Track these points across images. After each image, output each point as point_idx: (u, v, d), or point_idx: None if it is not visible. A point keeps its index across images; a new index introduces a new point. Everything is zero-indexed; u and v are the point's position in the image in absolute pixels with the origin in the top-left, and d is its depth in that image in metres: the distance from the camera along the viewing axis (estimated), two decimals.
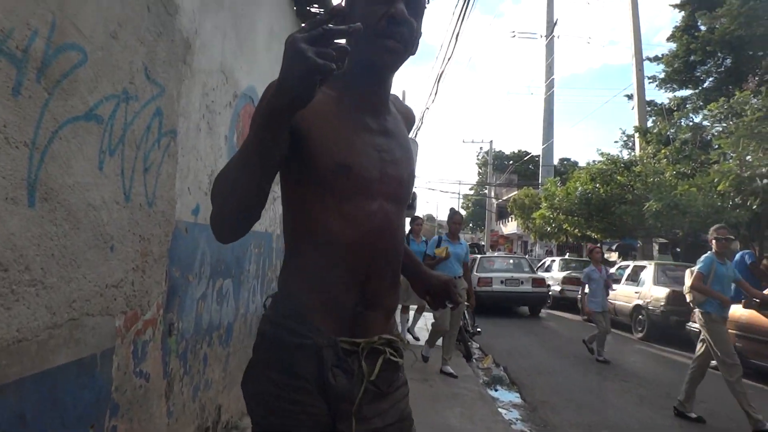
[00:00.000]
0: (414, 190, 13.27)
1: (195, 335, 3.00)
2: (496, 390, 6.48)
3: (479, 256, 15.62)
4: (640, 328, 10.69)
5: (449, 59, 10.81)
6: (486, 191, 44.34)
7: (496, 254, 18.86)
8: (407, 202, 1.34)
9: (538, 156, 30.59)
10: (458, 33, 10.34)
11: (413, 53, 1.26)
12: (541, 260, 20.23)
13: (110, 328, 2.05)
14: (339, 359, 1.19)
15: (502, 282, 13.32)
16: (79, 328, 1.84)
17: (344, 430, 1.20)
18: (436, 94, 14.76)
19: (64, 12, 1.68)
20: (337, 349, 1.19)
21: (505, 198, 39.61)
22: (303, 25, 0.89)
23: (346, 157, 1.18)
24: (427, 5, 1.29)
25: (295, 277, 1.24)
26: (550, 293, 14.84)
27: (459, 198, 56.07)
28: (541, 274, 15.03)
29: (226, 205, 1.08)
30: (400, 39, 1.18)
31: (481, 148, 50.49)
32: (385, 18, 1.15)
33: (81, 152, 1.81)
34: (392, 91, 1.35)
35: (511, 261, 15.10)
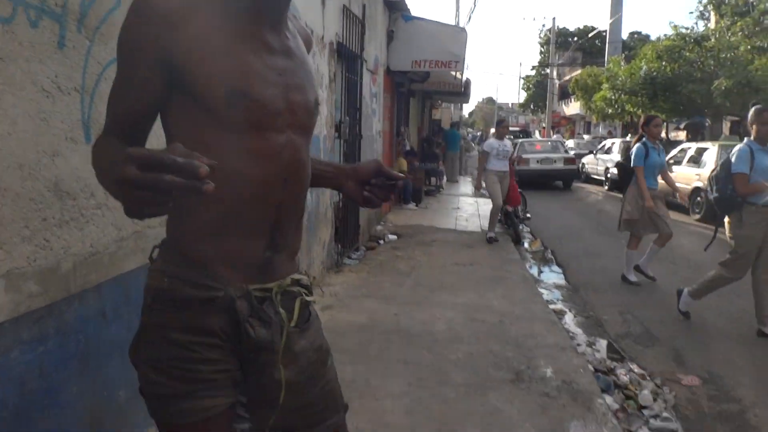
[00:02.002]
0: (467, 76, 12.83)
1: None
2: (541, 273, 6.79)
3: (520, 140, 18.81)
4: (697, 210, 10.62)
5: None
6: (548, 71, 42.28)
7: (533, 139, 21.69)
8: (313, 129, 1.21)
9: (605, 31, 28.66)
10: None
11: None
12: (602, 143, 19.74)
13: None
14: (254, 309, 1.11)
15: (537, 162, 15.77)
16: (143, 239, 2.18)
17: (267, 382, 1.15)
18: None
19: None
20: (250, 299, 1.10)
21: (567, 78, 37.80)
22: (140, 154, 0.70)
23: (240, 81, 1.01)
24: None
25: (191, 224, 1.08)
26: (580, 170, 17.64)
27: (520, 79, 53.85)
28: (572, 154, 17.63)
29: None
30: None
31: (543, 25, 47.35)
32: None
33: None
34: None
35: (548, 144, 17.59)
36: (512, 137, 23.28)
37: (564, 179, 16.37)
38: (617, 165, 6.30)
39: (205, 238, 1.08)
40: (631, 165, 5.67)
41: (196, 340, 1.07)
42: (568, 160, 16.08)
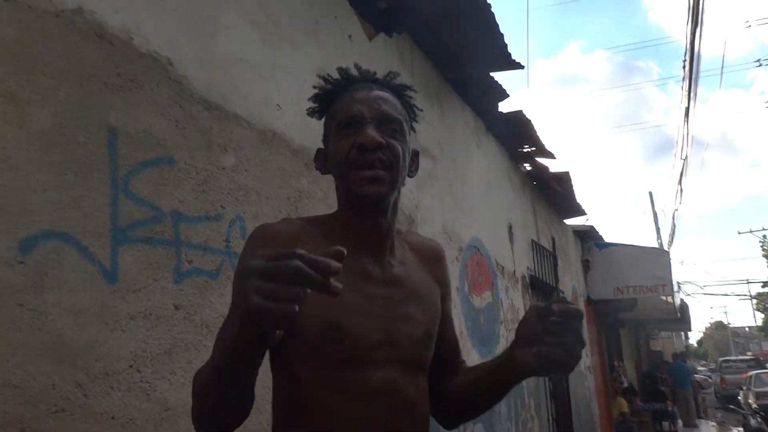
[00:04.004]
0: (682, 299, 11.85)
1: None
2: None
3: (757, 371, 17.07)
4: None
5: (685, 158, 10.10)
6: None
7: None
8: (427, 363, 1.09)
9: None
10: (687, 133, 9.74)
11: (410, 175, 1.11)
12: None
13: None
14: None
15: None
16: None
17: None
18: (681, 192, 13.76)
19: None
20: None
21: None
22: (264, 254, 0.73)
23: (338, 315, 0.98)
24: (414, 119, 1.16)
25: None
26: None
27: (750, 298, 47.68)
28: None
29: (205, 413, 0.94)
30: (380, 165, 1.01)
31: (765, 236, 43.02)
32: (354, 148, 1.01)
33: None
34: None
35: None
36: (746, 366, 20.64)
37: None
38: None
39: None
40: None
41: None
42: None
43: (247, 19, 2.07)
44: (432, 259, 1.19)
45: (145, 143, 1.63)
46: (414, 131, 1.16)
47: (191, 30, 1.82)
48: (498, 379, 1.05)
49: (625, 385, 10.68)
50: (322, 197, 2.34)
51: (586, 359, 7.92)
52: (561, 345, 0.91)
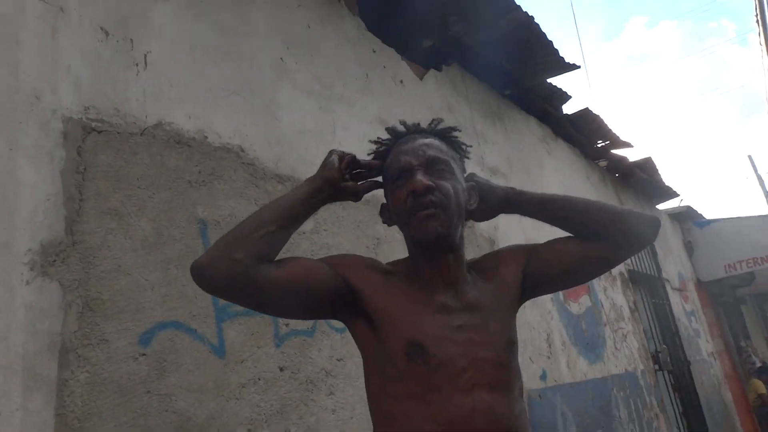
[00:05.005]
0: None
1: None
2: None
3: None
4: None
5: None
6: None
7: None
8: (514, 384, 1.11)
9: None
10: None
11: (470, 208, 1.19)
12: None
13: None
14: None
15: None
16: None
17: None
18: None
19: None
20: None
21: None
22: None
23: (420, 337, 1.05)
24: (465, 155, 1.26)
25: None
26: None
27: None
28: None
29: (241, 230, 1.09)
30: (433, 206, 1.09)
31: None
32: (409, 196, 1.10)
33: None
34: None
35: None
36: None
37: None
38: None
39: None
40: None
41: None
42: None
43: (303, 92, 2.22)
44: (493, 262, 1.25)
45: (231, 226, 1.79)
46: (465, 168, 1.26)
47: (254, 115, 1.99)
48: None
49: (758, 365, 9.88)
50: (400, 239, 2.39)
51: (708, 345, 7.45)
52: None
